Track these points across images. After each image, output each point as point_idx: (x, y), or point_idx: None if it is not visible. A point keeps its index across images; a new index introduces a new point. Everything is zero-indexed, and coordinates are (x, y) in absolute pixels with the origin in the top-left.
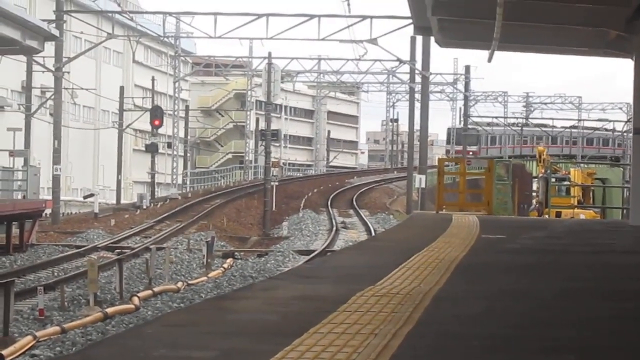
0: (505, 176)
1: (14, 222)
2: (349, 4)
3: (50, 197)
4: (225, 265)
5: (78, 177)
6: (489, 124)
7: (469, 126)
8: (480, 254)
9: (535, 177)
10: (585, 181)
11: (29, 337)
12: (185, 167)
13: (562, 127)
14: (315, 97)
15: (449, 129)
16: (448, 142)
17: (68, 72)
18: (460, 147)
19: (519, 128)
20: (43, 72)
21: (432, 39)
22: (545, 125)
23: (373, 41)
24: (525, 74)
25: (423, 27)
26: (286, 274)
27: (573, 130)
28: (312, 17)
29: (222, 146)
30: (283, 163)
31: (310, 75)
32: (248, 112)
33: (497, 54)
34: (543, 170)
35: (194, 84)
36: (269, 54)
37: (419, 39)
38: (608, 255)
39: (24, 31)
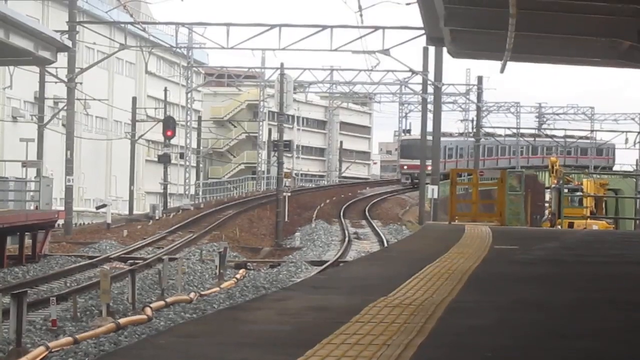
0: (518, 187)
1: (26, 233)
2: (361, 15)
3: (62, 208)
4: (238, 276)
5: (91, 188)
6: (444, 134)
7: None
8: (493, 264)
9: (547, 188)
10: (597, 192)
11: (42, 348)
12: (197, 177)
13: (509, 136)
14: (328, 108)
15: (402, 141)
16: (402, 155)
17: (81, 83)
18: (416, 162)
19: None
20: (56, 82)
21: (445, 49)
22: (499, 135)
23: (385, 52)
24: (537, 84)
25: (435, 38)
26: (299, 285)
27: (541, 139)
28: (324, 27)
29: (234, 157)
30: (295, 174)
31: (322, 86)
32: (260, 123)
33: (510, 64)
34: (555, 181)
35: (206, 94)
36: (282, 64)
37: (432, 49)
38: (621, 266)
39: (36, 42)
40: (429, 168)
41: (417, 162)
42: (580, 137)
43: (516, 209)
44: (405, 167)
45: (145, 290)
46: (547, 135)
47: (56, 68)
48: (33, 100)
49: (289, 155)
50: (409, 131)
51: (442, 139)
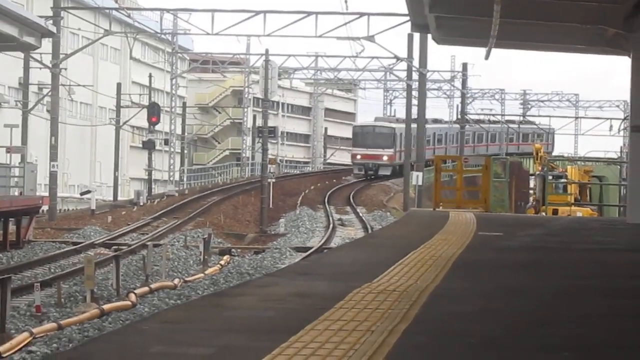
0: (502, 173)
1: (10, 219)
2: (346, 1)
3: (47, 194)
4: (222, 262)
5: (75, 174)
6: (398, 120)
7: (378, 123)
8: (477, 251)
9: (532, 175)
10: (582, 179)
11: (26, 334)
12: (182, 164)
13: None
14: (313, 94)
15: (354, 127)
16: (355, 144)
17: (65, 69)
18: (370, 151)
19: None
20: (40, 68)
21: (430, 36)
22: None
23: (370, 38)
24: (522, 71)
25: (420, 25)
26: (283, 271)
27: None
28: (309, 14)
29: (219, 143)
30: (280, 160)
31: (307, 72)
32: (245, 109)
33: (495, 51)
34: (540, 168)
35: (191, 80)
36: (266, 51)
37: (416, 36)
38: (605, 252)
39: (21, 27)
40: (383, 159)
41: (372, 151)
42: (521, 122)
43: (501, 196)
44: (359, 156)
45: (129, 277)
46: (489, 122)
47: (40, 54)
48: (17, 86)
49: (274, 141)
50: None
51: (398, 125)
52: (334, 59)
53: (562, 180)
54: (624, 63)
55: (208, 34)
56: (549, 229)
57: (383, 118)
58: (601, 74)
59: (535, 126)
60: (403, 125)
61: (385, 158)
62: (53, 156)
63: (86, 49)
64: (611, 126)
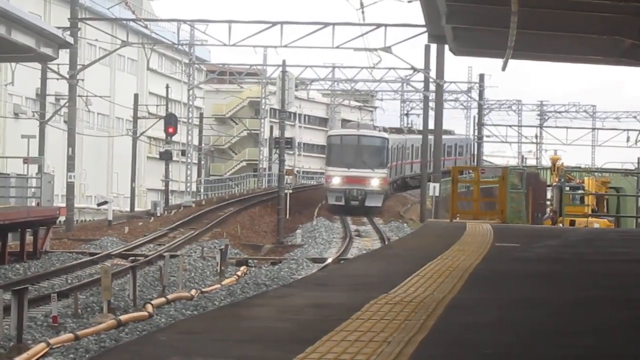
0: (519, 185)
1: (27, 230)
2: (363, 12)
3: (64, 205)
4: (239, 273)
5: (92, 185)
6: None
7: (364, 132)
8: (494, 262)
9: (549, 186)
10: (599, 190)
11: (43, 344)
12: (199, 174)
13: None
14: (330, 105)
15: (329, 138)
16: (330, 161)
17: (82, 80)
18: (353, 172)
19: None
20: (57, 79)
21: (447, 47)
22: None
23: (387, 49)
24: (539, 82)
25: (437, 36)
26: (300, 282)
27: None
28: (326, 25)
29: (236, 154)
30: (297, 171)
31: (324, 83)
32: (262, 120)
33: (512, 62)
34: (557, 179)
35: (208, 91)
36: (283, 61)
37: (433, 47)
38: (622, 263)
39: (38, 39)
40: (362, 183)
41: (356, 172)
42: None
43: (518, 207)
44: (336, 180)
45: (146, 287)
46: (409, 131)
47: (58, 65)
48: (35, 97)
49: (291, 152)
50: (410, 128)
51: (391, 136)
52: (350, 70)
53: (579, 191)
54: (636, 73)
55: (225, 45)
56: (565, 240)
57: (367, 125)
58: (615, 85)
59: (449, 137)
60: (397, 137)
61: (375, 183)
62: (70, 167)
63: (103, 60)
64: (628, 137)
